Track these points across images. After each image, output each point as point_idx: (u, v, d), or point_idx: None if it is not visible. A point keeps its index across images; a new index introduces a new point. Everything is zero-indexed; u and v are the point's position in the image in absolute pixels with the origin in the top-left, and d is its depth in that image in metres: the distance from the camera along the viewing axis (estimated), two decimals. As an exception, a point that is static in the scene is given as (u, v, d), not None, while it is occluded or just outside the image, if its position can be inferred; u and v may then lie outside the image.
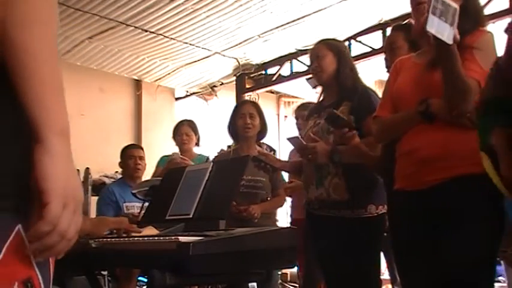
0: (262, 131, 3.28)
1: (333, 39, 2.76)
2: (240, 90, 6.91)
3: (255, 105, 3.38)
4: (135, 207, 3.60)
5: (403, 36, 2.44)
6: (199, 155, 3.98)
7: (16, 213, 0.71)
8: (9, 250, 0.70)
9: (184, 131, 4.01)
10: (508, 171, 1.48)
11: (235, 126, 3.24)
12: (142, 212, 2.63)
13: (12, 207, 0.71)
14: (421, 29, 1.61)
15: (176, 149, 4.10)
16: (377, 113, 2.07)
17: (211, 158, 3.81)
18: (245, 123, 3.17)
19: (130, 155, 4.03)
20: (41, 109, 0.72)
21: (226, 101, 7.30)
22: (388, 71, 2.51)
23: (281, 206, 3.44)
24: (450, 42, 1.63)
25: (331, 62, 2.54)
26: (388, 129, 2.01)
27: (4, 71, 0.72)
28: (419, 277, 1.86)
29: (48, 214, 0.70)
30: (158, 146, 6.32)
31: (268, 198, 3.24)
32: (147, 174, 4.19)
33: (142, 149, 4.25)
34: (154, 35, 5.51)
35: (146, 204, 2.65)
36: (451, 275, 1.74)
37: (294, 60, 6.32)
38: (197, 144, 4.08)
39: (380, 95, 2.28)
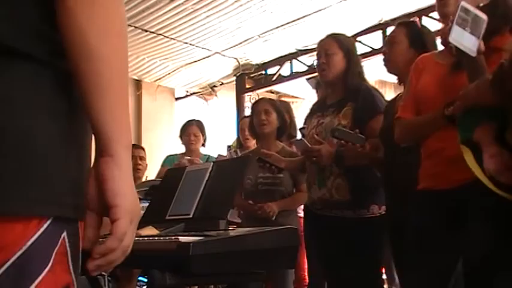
0: (282, 126, 3.18)
1: (343, 35, 2.64)
2: (240, 90, 6.90)
3: (270, 101, 3.31)
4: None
5: (404, 32, 2.43)
6: (205, 155, 3.97)
7: (66, 221, 0.70)
8: (56, 257, 0.69)
9: (193, 131, 3.97)
10: (491, 162, 1.48)
11: (253, 125, 3.22)
12: (142, 211, 2.62)
13: (64, 216, 0.70)
14: (445, 39, 1.57)
15: (178, 148, 4.08)
16: (400, 114, 2.02)
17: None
18: (260, 119, 3.12)
19: (131, 155, 4.01)
20: (113, 122, 0.71)
21: (226, 101, 7.30)
22: (385, 64, 2.47)
23: (304, 202, 3.21)
24: (474, 54, 1.58)
25: (340, 61, 2.49)
26: (411, 131, 1.97)
27: (61, 77, 0.70)
28: (427, 276, 1.84)
29: (117, 230, 0.70)
30: (158, 146, 6.32)
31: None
32: (147, 175, 4.19)
33: (143, 149, 4.24)
34: (154, 35, 5.50)
35: (143, 203, 2.64)
36: (470, 270, 1.72)
37: (294, 60, 6.31)
38: (203, 144, 4.06)
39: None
